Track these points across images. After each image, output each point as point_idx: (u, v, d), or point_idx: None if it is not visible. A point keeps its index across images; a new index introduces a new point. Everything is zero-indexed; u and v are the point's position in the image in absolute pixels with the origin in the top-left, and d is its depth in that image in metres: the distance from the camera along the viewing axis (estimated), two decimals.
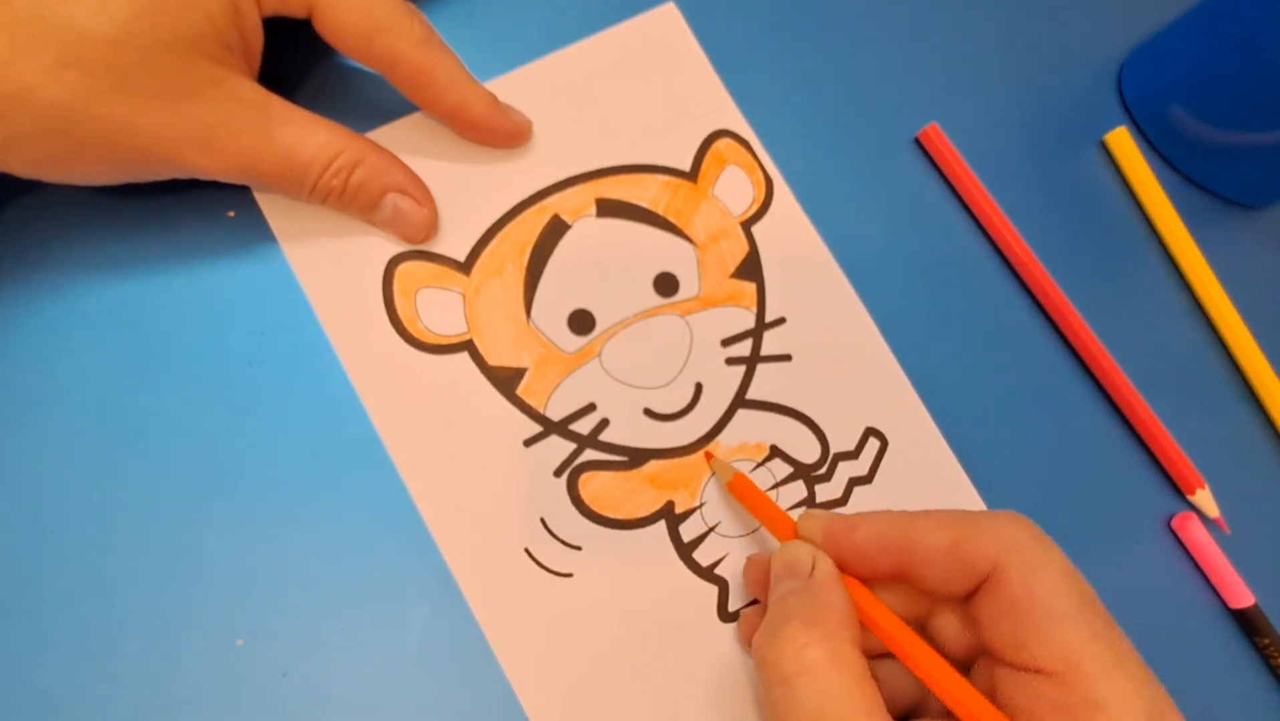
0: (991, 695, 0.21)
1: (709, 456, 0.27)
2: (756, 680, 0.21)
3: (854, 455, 0.28)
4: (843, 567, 0.23)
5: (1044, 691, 0.20)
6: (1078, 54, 0.34)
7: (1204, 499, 0.30)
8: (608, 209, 0.28)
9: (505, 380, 0.27)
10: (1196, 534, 0.30)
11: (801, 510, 0.26)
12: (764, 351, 0.28)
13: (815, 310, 0.29)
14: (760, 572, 0.25)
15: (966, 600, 0.22)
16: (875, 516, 0.23)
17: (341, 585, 0.24)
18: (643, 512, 0.26)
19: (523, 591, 0.25)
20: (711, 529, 0.27)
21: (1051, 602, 0.20)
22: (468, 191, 0.28)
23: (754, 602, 0.26)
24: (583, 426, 0.27)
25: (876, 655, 0.23)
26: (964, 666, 0.22)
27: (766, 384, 0.28)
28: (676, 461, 0.27)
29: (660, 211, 0.29)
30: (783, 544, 0.24)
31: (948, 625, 0.23)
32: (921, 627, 0.23)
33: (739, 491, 0.26)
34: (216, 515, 0.24)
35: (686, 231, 0.29)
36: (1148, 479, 0.31)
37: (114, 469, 0.24)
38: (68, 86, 0.20)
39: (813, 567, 0.22)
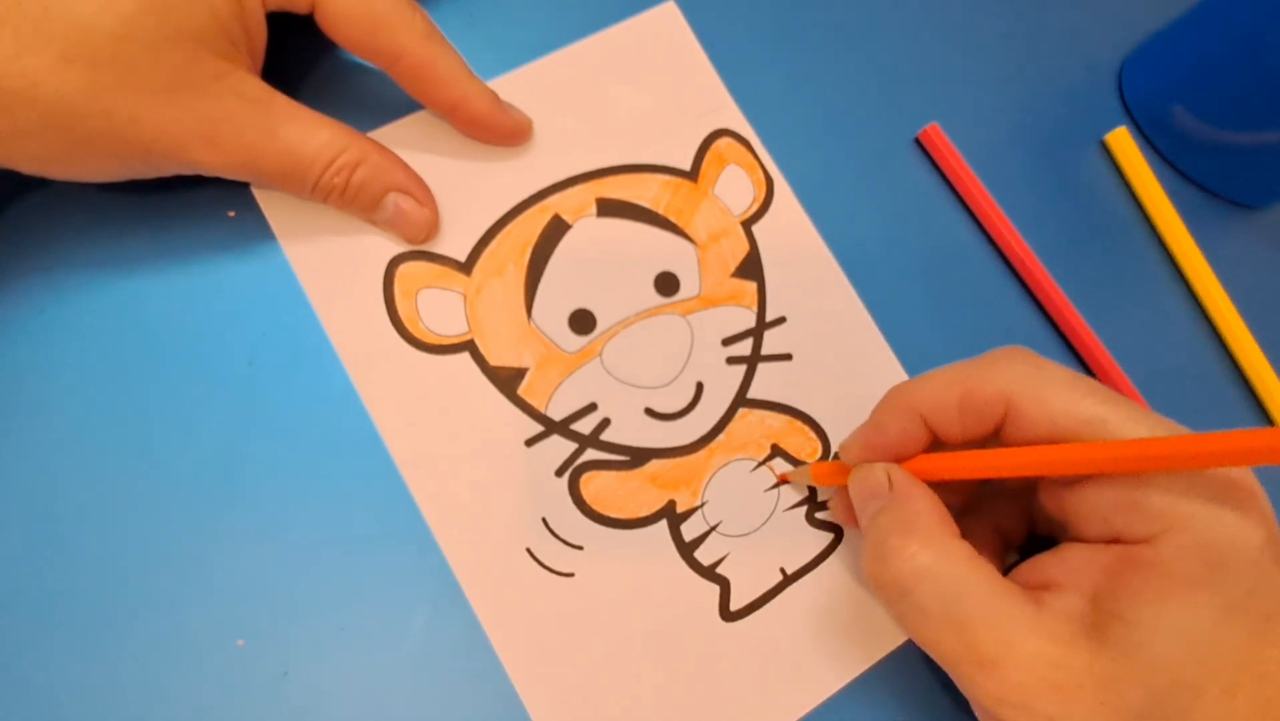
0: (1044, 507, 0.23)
1: (782, 479, 0.27)
2: (883, 606, 0.23)
3: None
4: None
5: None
6: (1078, 54, 0.34)
7: None
8: (608, 208, 0.28)
9: (506, 380, 0.27)
10: None
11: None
12: (765, 350, 0.28)
13: (816, 309, 0.29)
14: (844, 504, 0.26)
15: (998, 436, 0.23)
16: (893, 404, 0.24)
17: (342, 585, 0.24)
18: (644, 512, 0.26)
19: (525, 591, 0.25)
20: (713, 528, 0.27)
21: (1061, 402, 0.21)
22: (468, 191, 0.28)
23: (757, 605, 0.26)
24: (584, 426, 0.27)
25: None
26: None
27: (767, 383, 0.28)
28: (678, 461, 0.27)
29: (661, 211, 0.29)
30: (855, 471, 0.24)
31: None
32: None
33: (823, 477, 0.26)
34: (217, 515, 0.24)
35: (687, 231, 0.29)
36: None
37: (114, 468, 0.24)
38: (73, 82, 0.20)
39: (890, 482, 0.23)
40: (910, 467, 0.23)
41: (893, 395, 0.24)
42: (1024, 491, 0.25)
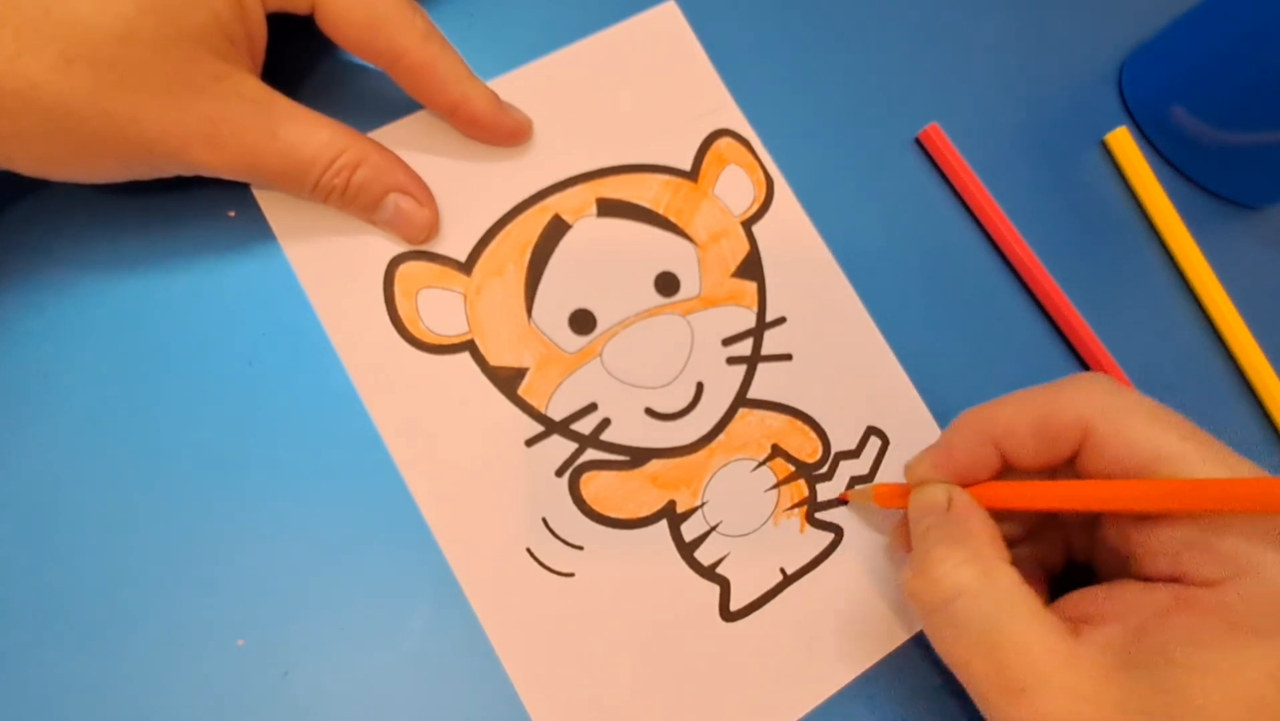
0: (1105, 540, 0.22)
1: (843, 498, 0.27)
2: (918, 617, 0.22)
3: (855, 454, 0.28)
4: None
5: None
6: (1078, 54, 0.34)
7: None
8: (608, 208, 0.28)
9: (506, 380, 0.27)
10: None
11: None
12: (765, 351, 0.28)
13: (816, 309, 0.29)
14: (905, 532, 0.25)
15: (1071, 464, 0.22)
16: (964, 427, 0.23)
17: (342, 585, 0.24)
18: (644, 512, 0.26)
19: (525, 591, 0.25)
20: (713, 528, 0.27)
21: (1142, 433, 0.20)
22: (469, 191, 0.28)
23: (757, 605, 0.26)
24: (584, 426, 0.27)
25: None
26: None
27: (767, 383, 0.28)
28: (678, 461, 0.27)
29: (661, 211, 0.29)
30: (915, 489, 0.24)
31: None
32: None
33: (885, 498, 0.26)
34: (217, 515, 0.24)
35: (687, 231, 0.29)
36: None
37: (114, 468, 0.24)
38: (74, 82, 0.20)
39: (949, 501, 0.22)
40: (976, 493, 0.23)
41: (964, 418, 0.23)
42: (1077, 523, 0.25)
